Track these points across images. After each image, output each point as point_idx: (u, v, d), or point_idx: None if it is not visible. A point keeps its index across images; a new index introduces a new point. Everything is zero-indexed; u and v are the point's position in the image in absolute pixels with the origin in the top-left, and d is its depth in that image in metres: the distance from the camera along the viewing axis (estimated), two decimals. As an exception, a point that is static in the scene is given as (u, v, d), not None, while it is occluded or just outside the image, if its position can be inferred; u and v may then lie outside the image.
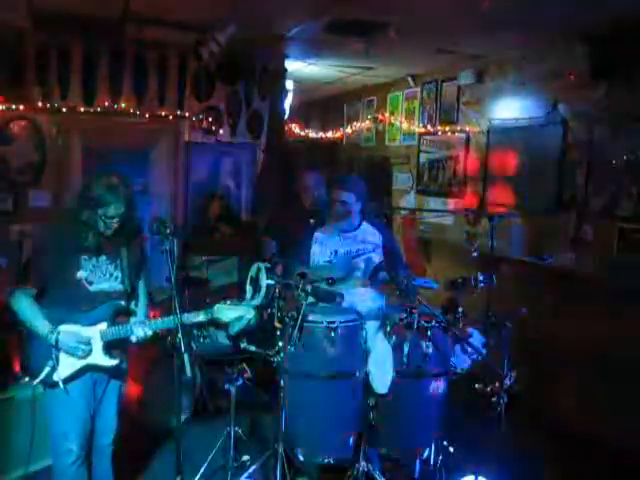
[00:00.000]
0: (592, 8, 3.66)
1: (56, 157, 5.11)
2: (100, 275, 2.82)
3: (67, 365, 2.73)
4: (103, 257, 2.83)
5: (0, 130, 4.88)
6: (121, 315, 2.89)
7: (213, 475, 3.55)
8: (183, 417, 4.04)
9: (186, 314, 2.81)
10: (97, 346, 2.77)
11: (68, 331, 2.69)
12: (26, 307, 2.69)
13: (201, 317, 2.86)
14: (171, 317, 2.68)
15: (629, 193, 4.11)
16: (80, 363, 2.75)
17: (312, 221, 3.70)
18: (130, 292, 2.95)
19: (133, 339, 2.83)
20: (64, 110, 5.04)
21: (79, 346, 2.69)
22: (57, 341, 2.65)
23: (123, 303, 2.88)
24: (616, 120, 4.19)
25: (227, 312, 2.85)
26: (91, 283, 2.79)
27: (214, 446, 3.59)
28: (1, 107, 4.83)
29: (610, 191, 4.25)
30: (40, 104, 4.96)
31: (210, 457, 3.55)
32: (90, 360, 2.77)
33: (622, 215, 4.16)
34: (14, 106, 4.88)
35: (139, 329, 2.80)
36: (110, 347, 2.81)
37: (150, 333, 2.81)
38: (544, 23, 4.11)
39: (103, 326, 2.78)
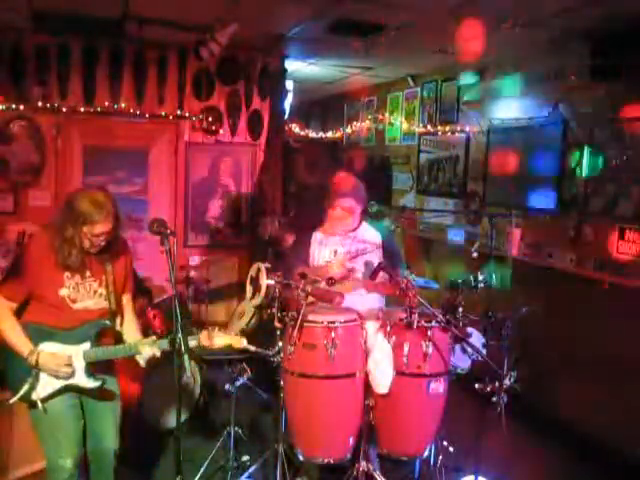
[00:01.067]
0: (592, 8, 3.65)
1: (56, 157, 5.11)
2: (84, 293, 2.74)
3: (46, 384, 2.65)
4: (87, 274, 2.75)
5: (0, 130, 4.88)
6: (106, 336, 2.81)
7: (213, 475, 3.55)
8: (183, 417, 4.03)
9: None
10: (79, 366, 2.68)
11: (48, 353, 2.61)
12: (8, 327, 2.63)
13: (193, 343, 2.72)
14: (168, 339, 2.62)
15: (629, 193, 4.11)
16: (60, 383, 2.67)
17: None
18: (115, 310, 2.87)
19: (141, 361, 2.77)
20: (64, 110, 5.04)
21: (60, 369, 2.61)
22: (37, 363, 2.58)
23: (108, 323, 2.81)
24: (616, 120, 4.19)
25: (216, 340, 2.75)
26: (74, 301, 2.72)
27: (214, 446, 3.59)
28: (1, 107, 4.83)
29: (610, 191, 4.25)
30: (40, 104, 4.96)
31: (210, 457, 3.55)
32: (70, 380, 2.68)
33: (622, 215, 4.16)
34: (14, 106, 4.88)
35: (147, 349, 2.72)
36: (92, 368, 2.72)
37: (158, 354, 2.74)
38: (544, 23, 4.11)
39: (86, 346, 2.69)
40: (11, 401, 2.65)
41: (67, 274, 2.70)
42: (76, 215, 2.60)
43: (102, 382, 2.76)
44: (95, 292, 2.78)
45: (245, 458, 3.59)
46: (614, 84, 4.18)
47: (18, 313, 2.69)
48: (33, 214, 4.94)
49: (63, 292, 2.69)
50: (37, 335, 2.65)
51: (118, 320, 2.93)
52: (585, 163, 4.46)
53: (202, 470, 3.49)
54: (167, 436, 3.93)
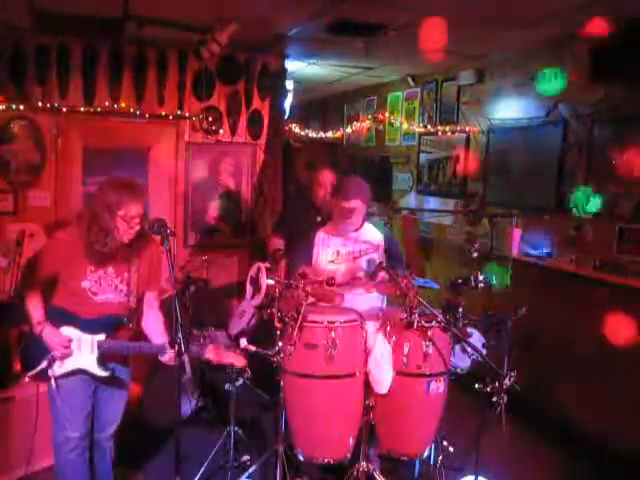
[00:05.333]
0: (592, 8, 3.66)
1: (56, 157, 5.11)
2: (105, 286, 2.84)
3: (62, 363, 2.79)
4: (110, 269, 2.83)
5: (0, 130, 4.88)
6: (123, 330, 2.90)
7: (213, 475, 3.55)
8: (183, 417, 4.03)
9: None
10: (92, 354, 2.81)
11: (53, 329, 2.75)
12: (30, 301, 2.79)
13: (193, 352, 2.76)
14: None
15: (629, 193, 4.11)
16: (73, 365, 2.80)
17: (319, 219, 3.71)
18: (135, 307, 2.92)
19: (170, 361, 2.81)
20: (64, 110, 5.04)
21: (57, 347, 2.74)
22: (41, 333, 2.72)
23: (126, 319, 2.88)
24: (616, 120, 4.19)
25: (220, 358, 2.80)
26: (95, 294, 2.82)
27: (214, 446, 3.59)
28: (1, 107, 4.83)
29: (610, 191, 4.25)
30: (40, 104, 4.96)
31: (210, 457, 3.55)
32: (82, 365, 2.81)
33: (622, 215, 4.15)
34: (14, 106, 4.87)
35: (166, 355, 2.80)
36: (105, 358, 2.84)
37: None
38: (544, 23, 4.11)
39: (102, 337, 2.81)
40: (29, 374, 2.80)
41: (91, 267, 2.79)
42: (110, 201, 2.69)
43: (112, 372, 2.88)
44: (116, 287, 2.86)
45: (245, 458, 3.59)
46: (614, 84, 4.18)
47: (47, 295, 2.82)
48: (33, 214, 4.93)
49: (85, 284, 2.80)
50: (60, 318, 2.79)
51: (136, 317, 2.98)
52: (585, 163, 4.46)
53: (202, 470, 3.49)
54: (167, 436, 3.93)
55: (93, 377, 2.86)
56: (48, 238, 3.18)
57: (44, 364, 2.76)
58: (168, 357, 2.80)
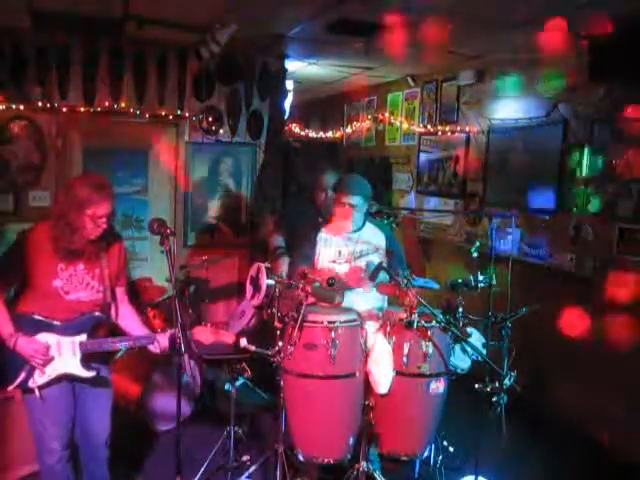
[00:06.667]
0: (592, 8, 3.65)
1: (56, 157, 5.11)
2: (77, 284, 2.79)
3: (42, 372, 2.71)
4: (80, 266, 2.79)
5: (0, 130, 4.88)
6: (101, 327, 2.87)
7: (213, 475, 3.55)
8: (183, 417, 4.04)
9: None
10: (75, 357, 2.75)
11: (26, 338, 2.65)
12: None
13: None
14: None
15: (629, 193, 4.11)
16: (56, 372, 2.73)
17: (321, 220, 3.71)
18: (109, 302, 2.92)
19: (156, 350, 2.85)
20: (64, 110, 5.04)
21: (36, 354, 2.65)
22: (15, 345, 2.64)
23: (104, 315, 2.87)
24: (616, 120, 4.19)
25: (207, 335, 2.81)
26: (67, 292, 2.76)
27: (214, 446, 3.59)
28: (1, 107, 4.83)
29: (610, 191, 4.25)
30: (40, 104, 4.96)
31: (210, 457, 3.55)
32: (66, 369, 2.75)
33: (622, 215, 4.15)
34: (14, 106, 4.87)
35: (155, 343, 2.81)
36: (88, 359, 2.79)
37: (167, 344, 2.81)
38: (544, 23, 4.10)
39: (83, 337, 2.76)
40: (9, 388, 2.72)
41: (61, 265, 2.75)
42: (79, 199, 2.66)
43: (97, 372, 2.82)
44: (88, 284, 2.82)
45: (245, 458, 3.59)
46: (614, 84, 4.18)
47: (12, 303, 2.75)
48: (33, 214, 4.92)
49: (57, 283, 2.74)
50: (34, 326, 2.70)
51: (113, 312, 2.98)
52: (585, 163, 4.46)
53: (202, 470, 3.49)
54: (167, 436, 3.93)
55: (78, 380, 2.79)
56: (17, 235, 3.10)
57: (22, 376, 2.67)
58: (158, 346, 2.81)
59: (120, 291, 3.01)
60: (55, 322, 2.72)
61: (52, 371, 2.72)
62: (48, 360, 2.70)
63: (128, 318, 3.02)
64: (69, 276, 2.76)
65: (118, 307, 3.00)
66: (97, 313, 2.83)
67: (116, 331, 2.99)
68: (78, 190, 2.68)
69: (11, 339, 2.64)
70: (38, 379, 2.70)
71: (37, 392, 2.69)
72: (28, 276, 2.74)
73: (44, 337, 2.70)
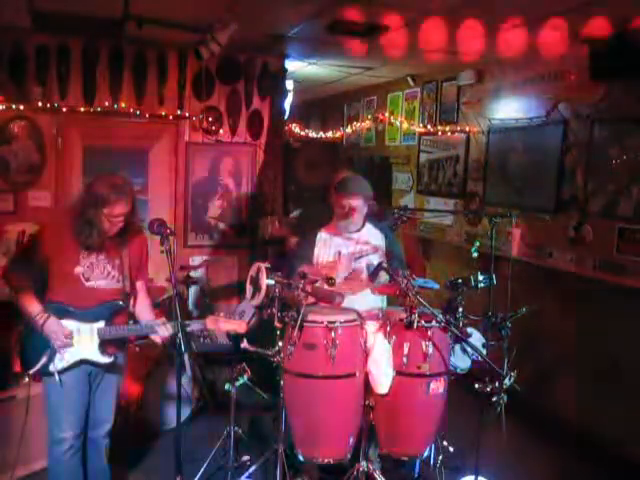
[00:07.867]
0: (592, 8, 3.65)
1: (56, 157, 5.11)
2: (97, 273, 2.88)
3: (63, 357, 2.80)
4: (102, 256, 2.89)
5: (0, 130, 4.88)
6: (120, 315, 2.96)
7: (213, 475, 3.55)
8: (183, 417, 4.03)
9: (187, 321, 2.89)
10: (93, 343, 2.84)
11: (56, 320, 2.76)
12: (23, 294, 2.79)
13: (195, 326, 2.96)
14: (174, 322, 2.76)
15: (629, 193, 4.11)
16: (75, 357, 2.82)
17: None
18: (129, 292, 3.00)
19: (157, 339, 2.93)
20: (64, 110, 5.04)
21: (59, 337, 2.75)
22: (43, 324, 2.73)
23: (122, 304, 2.95)
24: (616, 120, 4.19)
25: (221, 324, 2.93)
26: (88, 279, 2.85)
27: (214, 446, 3.59)
28: (1, 107, 4.83)
29: (610, 191, 4.25)
30: (40, 104, 4.96)
31: (210, 457, 3.55)
32: (85, 355, 2.84)
33: (622, 215, 4.15)
34: (14, 106, 4.88)
35: (163, 329, 2.88)
36: (106, 345, 2.88)
37: (167, 334, 2.89)
38: (544, 23, 4.10)
39: (101, 324, 2.85)
40: (31, 371, 2.79)
41: (83, 253, 2.84)
42: (96, 198, 2.75)
43: (114, 358, 2.92)
44: (108, 273, 2.91)
45: (245, 458, 3.59)
46: (614, 84, 4.18)
47: (39, 293, 2.83)
48: (33, 214, 4.93)
49: (78, 270, 2.83)
50: (56, 313, 2.80)
51: (131, 302, 3.06)
52: (585, 163, 4.46)
53: (202, 470, 3.49)
54: (167, 436, 3.93)
55: (95, 365, 2.88)
56: (42, 225, 3.18)
57: (44, 360, 2.77)
58: (161, 334, 2.89)
59: (139, 284, 3.11)
60: (75, 309, 2.82)
61: (71, 357, 2.81)
62: (69, 344, 2.79)
63: (144, 313, 3.10)
64: (90, 264, 2.86)
65: (136, 300, 3.10)
66: (116, 301, 2.92)
67: (134, 319, 3.10)
68: (97, 188, 2.77)
69: (40, 319, 2.73)
70: (58, 364, 2.79)
71: (57, 376, 2.77)
72: (52, 261, 2.82)
73: (65, 323, 2.80)
